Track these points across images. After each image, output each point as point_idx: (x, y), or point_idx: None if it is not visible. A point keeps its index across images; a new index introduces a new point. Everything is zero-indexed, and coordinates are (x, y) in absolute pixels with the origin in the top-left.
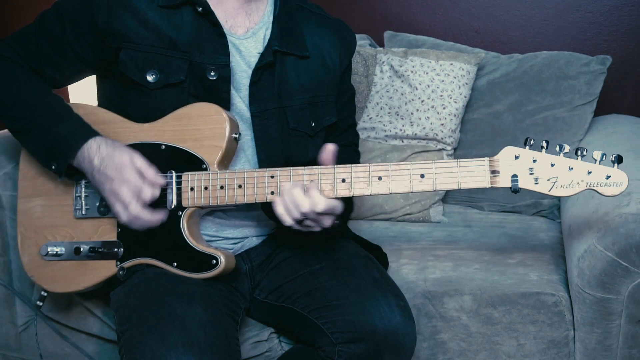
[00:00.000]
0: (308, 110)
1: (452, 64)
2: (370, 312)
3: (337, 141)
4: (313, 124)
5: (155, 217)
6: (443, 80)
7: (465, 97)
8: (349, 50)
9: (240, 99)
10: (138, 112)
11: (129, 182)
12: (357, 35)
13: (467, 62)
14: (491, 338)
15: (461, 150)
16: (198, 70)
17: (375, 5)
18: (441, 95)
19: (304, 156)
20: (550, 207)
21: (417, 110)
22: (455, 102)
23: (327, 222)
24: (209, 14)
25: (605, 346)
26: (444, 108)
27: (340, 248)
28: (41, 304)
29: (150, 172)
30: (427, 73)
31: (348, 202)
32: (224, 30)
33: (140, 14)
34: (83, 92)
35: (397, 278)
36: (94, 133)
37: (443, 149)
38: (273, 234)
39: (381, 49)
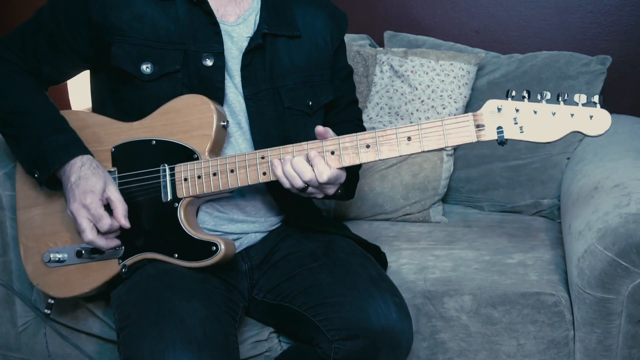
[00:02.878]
0: (303, 90)
1: (452, 64)
2: (366, 309)
3: (338, 118)
4: (310, 103)
5: (111, 244)
6: (443, 81)
7: (465, 97)
8: (340, 28)
9: (233, 86)
10: (133, 106)
11: (89, 209)
12: (357, 35)
13: (467, 62)
14: (491, 338)
15: (461, 150)
16: (193, 59)
17: (375, 5)
18: (441, 96)
19: (304, 135)
20: (550, 207)
21: (417, 110)
22: (455, 102)
23: (330, 190)
24: (203, 3)
25: (605, 346)
26: (444, 108)
27: (338, 247)
28: (49, 312)
29: (120, 208)
30: (427, 73)
31: (354, 171)
32: (216, 19)
33: (136, 7)
34: (83, 93)
35: (397, 278)
36: (83, 151)
37: (443, 149)
38: (272, 232)
39: (381, 49)
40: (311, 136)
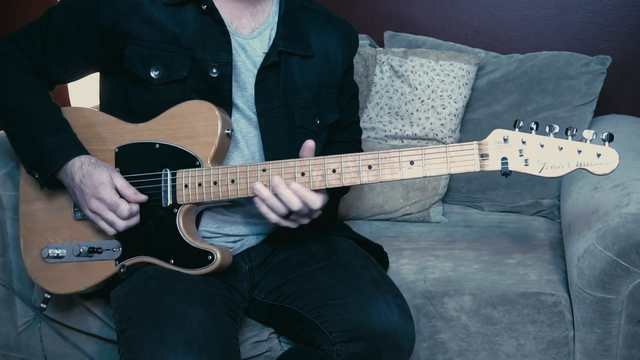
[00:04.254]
0: (312, 108)
1: (452, 64)
2: (368, 311)
3: (339, 137)
4: (318, 122)
5: (138, 219)
6: (443, 81)
7: (465, 97)
8: (351, 49)
9: (245, 98)
10: (142, 109)
11: (104, 200)
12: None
13: (467, 62)
14: (491, 338)
15: None
16: (200, 66)
17: (375, 5)
18: (441, 96)
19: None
20: (550, 207)
21: (417, 110)
22: (455, 102)
23: (316, 214)
24: (213, 12)
25: (605, 346)
26: (443, 108)
27: (339, 248)
28: (45, 306)
29: (129, 190)
30: (427, 73)
31: (334, 191)
32: (230, 29)
33: (145, 11)
34: (83, 93)
35: (397, 278)
36: (80, 152)
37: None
38: (273, 234)
39: (381, 49)
40: (315, 154)
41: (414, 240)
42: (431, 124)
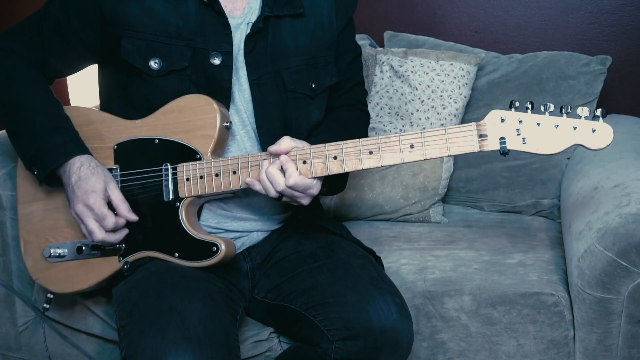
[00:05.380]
0: (307, 72)
1: (452, 64)
2: (367, 309)
3: (342, 101)
4: (313, 85)
5: (121, 237)
6: (443, 81)
7: (465, 97)
8: (346, 8)
9: (239, 84)
10: (141, 101)
11: (92, 209)
12: (357, 35)
13: (467, 62)
14: (491, 338)
15: None
16: (201, 56)
17: (375, 5)
18: (441, 96)
19: (306, 118)
20: (550, 207)
21: (417, 110)
22: (455, 102)
23: (304, 200)
24: (214, 3)
25: (605, 346)
26: (444, 108)
27: (338, 247)
28: (48, 306)
29: (124, 206)
30: (427, 73)
31: (337, 178)
32: (227, 19)
33: (146, 2)
34: (83, 92)
35: (397, 278)
36: (81, 151)
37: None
38: (274, 232)
39: (381, 49)
40: (312, 119)
41: (414, 240)
42: (431, 124)
